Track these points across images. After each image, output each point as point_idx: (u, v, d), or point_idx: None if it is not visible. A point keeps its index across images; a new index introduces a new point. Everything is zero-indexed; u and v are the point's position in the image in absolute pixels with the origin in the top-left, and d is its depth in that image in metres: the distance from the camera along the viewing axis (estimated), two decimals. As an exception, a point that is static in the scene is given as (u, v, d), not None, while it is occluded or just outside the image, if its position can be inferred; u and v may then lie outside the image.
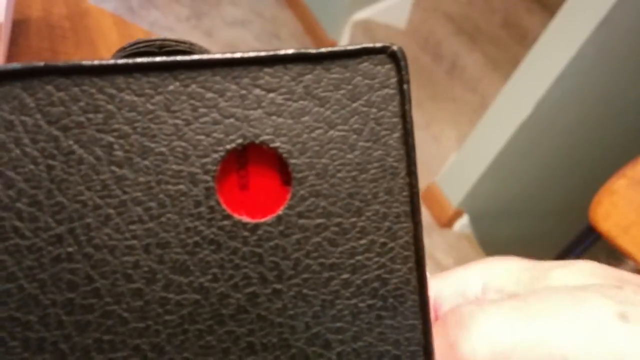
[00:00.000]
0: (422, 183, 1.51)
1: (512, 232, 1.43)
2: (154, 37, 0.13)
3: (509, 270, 0.18)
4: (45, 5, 0.59)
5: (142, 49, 0.14)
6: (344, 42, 1.78)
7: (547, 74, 1.11)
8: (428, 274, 0.15)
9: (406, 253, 0.14)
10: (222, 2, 1.91)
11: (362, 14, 1.80)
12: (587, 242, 0.75)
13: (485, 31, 1.81)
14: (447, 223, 1.43)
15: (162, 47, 0.14)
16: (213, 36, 1.78)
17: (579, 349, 0.14)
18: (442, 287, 0.19)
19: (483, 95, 1.67)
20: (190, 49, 0.14)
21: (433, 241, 1.42)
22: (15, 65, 0.12)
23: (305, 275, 0.14)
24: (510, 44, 1.77)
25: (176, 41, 0.14)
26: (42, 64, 0.12)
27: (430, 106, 1.71)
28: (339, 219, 0.14)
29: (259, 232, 0.13)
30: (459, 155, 1.38)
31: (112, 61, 0.12)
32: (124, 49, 0.14)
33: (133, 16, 1.70)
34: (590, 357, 0.14)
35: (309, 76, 0.13)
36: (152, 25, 1.72)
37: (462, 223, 1.43)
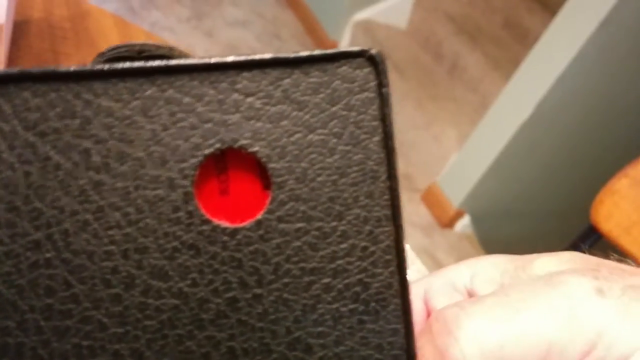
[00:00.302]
0: (423, 183, 1.51)
1: (513, 232, 1.43)
2: (133, 41, 0.13)
3: (494, 263, 0.19)
4: (46, 6, 0.59)
5: (122, 54, 0.14)
6: (345, 42, 1.78)
7: (548, 74, 1.11)
8: (422, 273, 0.15)
9: (387, 257, 0.14)
10: (223, 3, 1.91)
11: (362, 14, 1.80)
12: (588, 243, 0.74)
13: (486, 31, 1.81)
14: (449, 223, 1.43)
15: (142, 52, 0.14)
16: (214, 37, 1.78)
17: (562, 331, 0.15)
18: (432, 281, 0.19)
19: (484, 95, 1.67)
20: (169, 53, 0.14)
21: (434, 241, 1.41)
22: None
23: (285, 280, 0.13)
24: (511, 43, 1.77)
25: (156, 46, 0.14)
26: (17, 70, 0.12)
27: (431, 106, 1.71)
28: (320, 223, 0.14)
29: (239, 236, 0.13)
30: (460, 155, 1.38)
31: (88, 67, 0.12)
32: (103, 54, 0.14)
33: (134, 17, 1.70)
34: (574, 336, 0.15)
35: (288, 80, 0.13)
36: (153, 26, 1.72)
37: (464, 223, 1.43)
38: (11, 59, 0.49)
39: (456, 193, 1.39)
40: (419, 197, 1.51)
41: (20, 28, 0.53)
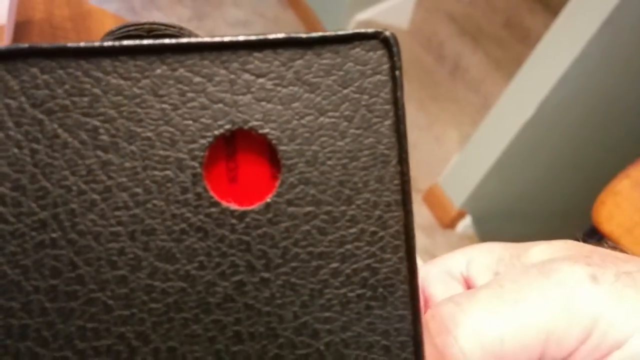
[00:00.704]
0: (425, 184, 1.50)
1: (515, 233, 1.43)
2: (143, 21, 0.13)
3: (490, 250, 0.19)
4: (48, 7, 0.59)
5: (131, 33, 0.13)
6: (347, 42, 1.78)
7: (550, 74, 1.10)
8: (419, 263, 0.15)
9: (396, 242, 0.14)
10: (224, 3, 1.91)
11: (364, 15, 1.80)
12: (590, 243, 0.74)
13: (487, 31, 1.81)
14: (450, 224, 1.42)
15: (151, 31, 0.13)
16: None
17: (558, 320, 0.15)
18: (428, 269, 0.19)
19: (486, 95, 1.67)
20: (179, 32, 0.14)
21: (435, 242, 1.41)
22: None
23: (293, 264, 0.13)
24: (512, 44, 1.77)
25: (165, 25, 0.14)
26: (26, 45, 0.12)
27: (433, 107, 1.71)
28: (329, 207, 0.13)
29: (247, 219, 0.13)
30: (462, 155, 1.38)
31: (98, 43, 0.12)
32: (112, 32, 0.13)
33: (135, 17, 1.71)
34: (570, 324, 0.15)
35: (300, 61, 0.13)
36: (155, 26, 1.72)
37: (465, 224, 1.42)
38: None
39: (458, 194, 1.39)
40: (420, 197, 1.51)
41: (21, 28, 0.53)
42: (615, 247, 0.18)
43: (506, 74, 1.59)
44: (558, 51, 1.09)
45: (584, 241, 0.18)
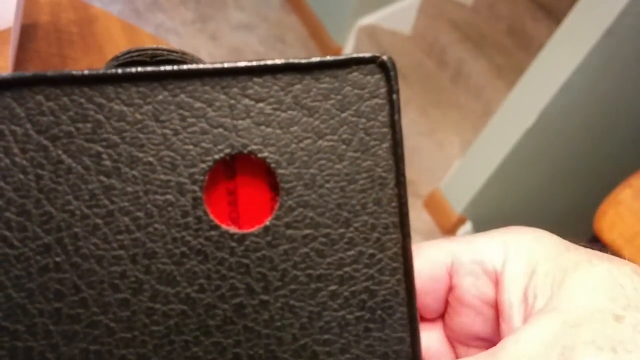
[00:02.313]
0: (426, 189, 1.50)
1: (515, 239, 1.43)
2: (146, 46, 0.13)
3: (531, 249, 0.17)
4: (54, 10, 0.60)
5: (134, 58, 0.14)
6: (350, 47, 1.79)
7: (552, 81, 1.11)
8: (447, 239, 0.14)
9: (395, 264, 0.14)
10: (227, 6, 1.91)
11: (367, 20, 1.80)
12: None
13: (490, 38, 1.81)
14: (450, 230, 1.42)
15: (154, 57, 0.14)
16: (218, 40, 1.78)
17: None
18: (460, 251, 0.18)
19: (487, 102, 1.67)
20: (182, 58, 0.14)
21: (435, 248, 1.41)
22: (4, 75, 0.12)
23: (292, 287, 0.13)
24: (515, 51, 1.77)
25: (168, 50, 0.14)
26: (31, 74, 0.12)
27: (435, 112, 1.71)
28: (327, 230, 0.14)
29: (246, 242, 0.13)
30: (463, 162, 1.38)
31: (101, 71, 0.12)
32: (117, 57, 0.14)
33: (139, 19, 1.71)
34: None
35: (298, 86, 0.13)
36: (158, 28, 1.73)
37: (466, 230, 1.42)
38: (18, 62, 0.49)
39: (459, 199, 1.39)
40: (421, 203, 1.51)
41: (27, 32, 0.53)
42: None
43: (508, 81, 1.59)
44: (560, 59, 1.09)
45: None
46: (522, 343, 0.14)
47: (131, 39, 0.62)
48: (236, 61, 0.13)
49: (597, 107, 1.16)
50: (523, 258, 0.17)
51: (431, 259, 0.17)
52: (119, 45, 0.60)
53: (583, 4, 1.05)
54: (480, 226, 1.41)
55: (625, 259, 0.18)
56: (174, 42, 1.67)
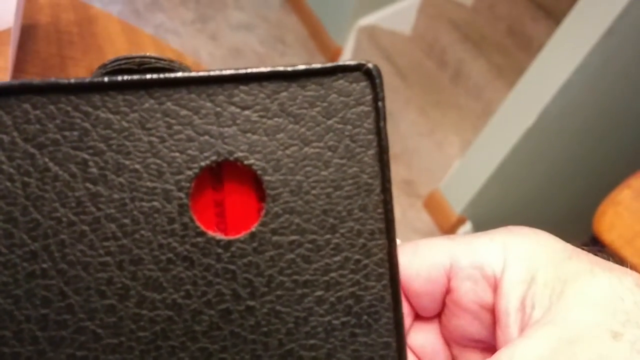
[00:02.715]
0: (425, 189, 1.50)
1: (515, 240, 1.43)
2: (134, 54, 0.13)
3: (532, 257, 0.17)
4: (54, 11, 0.60)
5: (122, 66, 0.14)
6: (349, 47, 1.79)
7: (552, 82, 1.11)
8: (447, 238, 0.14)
9: (380, 270, 0.14)
10: (227, 6, 1.91)
11: (367, 20, 1.80)
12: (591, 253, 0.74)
13: (490, 38, 1.81)
14: (450, 230, 1.43)
15: (142, 64, 0.14)
16: (218, 40, 1.78)
17: None
18: (460, 254, 0.17)
19: (487, 102, 1.67)
20: (169, 66, 0.14)
21: (435, 248, 1.41)
22: None
23: (278, 292, 0.14)
24: (515, 51, 1.77)
25: (156, 58, 0.14)
26: (18, 82, 0.12)
27: (434, 113, 1.71)
28: (313, 236, 0.14)
29: (233, 248, 0.13)
30: (463, 162, 1.38)
31: (87, 79, 0.12)
32: (104, 65, 0.14)
33: (138, 19, 1.71)
34: None
35: (284, 93, 0.13)
36: (158, 28, 1.73)
37: (465, 230, 1.42)
38: (18, 63, 0.49)
39: (458, 200, 1.39)
40: (421, 203, 1.51)
41: (27, 32, 0.53)
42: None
43: (508, 81, 1.59)
44: (560, 60, 1.09)
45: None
46: (517, 358, 0.14)
47: (131, 39, 0.62)
48: (222, 69, 0.13)
49: (597, 108, 1.16)
50: (523, 264, 0.17)
51: (429, 260, 0.17)
52: (119, 45, 0.60)
53: (583, 4, 1.05)
54: (480, 226, 1.41)
55: (626, 260, 0.17)
56: (173, 43, 1.68)
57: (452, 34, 1.80)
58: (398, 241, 0.15)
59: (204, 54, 1.71)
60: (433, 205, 1.46)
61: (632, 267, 0.17)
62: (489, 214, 1.39)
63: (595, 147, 1.25)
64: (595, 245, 0.72)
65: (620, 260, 0.17)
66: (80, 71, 0.54)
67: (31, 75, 0.50)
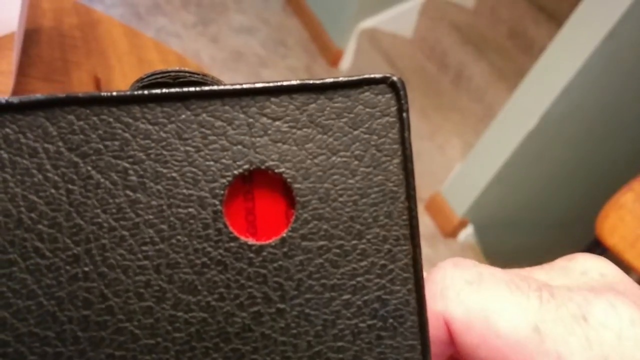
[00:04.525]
0: (427, 192, 1.51)
1: (517, 243, 1.43)
2: (169, 68, 0.14)
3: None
4: (57, 15, 0.60)
5: (158, 80, 0.14)
6: (350, 50, 1.79)
7: (553, 85, 1.11)
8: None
9: (405, 275, 0.15)
10: (229, 9, 1.92)
11: (368, 23, 1.81)
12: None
13: (491, 41, 1.82)
14: (452, 233, 1.43)
15: (177, 78, 0.14)
16: (219, 43, 1.79)
17: None
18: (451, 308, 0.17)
19: (489, 105, 1.67)
20: (203, 79, 0.15)
21: (437, 251, 1.42)
22: (38, 96, 0.13)
23: (307, 296, 0.14)
24: (516, 54, 1.78)
25: (190, 72, 0.14)
26: (63, 95, 0.13)
27: (436, 116, 1.71)
28: (341, 242, 0.14)
29: (264, 253, 0.14)
30: (464, 165, 1.38)
31: (129, 92, 0.13)
32: (141, 79, 0.14)
33: (140, 22, 1.72)
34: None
35: (313, 105, 0.14)
36: (159, 32, 1.73)
37: (467, 233, 1.43)
38: (22, 67, 0.50)
39: (460, 203, 1.40)
40: (422, 206, 1.51)
41: (30, 36, 0.54)
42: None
43: (509, 84, 1.60)
44: (561, 63, 1.10)
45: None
46: None
47: (133, 43, 0.63)
48: (254, 82, 0.14)
49: (598, 110, 1.17)
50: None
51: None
52: (122, 49, 0.61)
53: (584, 7, 1.05)
54: (482, 229, 1.42)
55: (626, 262, 0.17)
56: (175, 46, 1.68)
57: (453, 36, 1.80)
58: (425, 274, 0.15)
59: (206, 57, 1.72)
60: (435, 208, 1.46)
61: (634, 270, 0.16)
62: (490, 217, 1.39)
63: (597, 149, 1.25)
64: (597, 248, 0.72)
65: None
66: (83, 75, 0.54)
67: (35, 79, 0.51)
